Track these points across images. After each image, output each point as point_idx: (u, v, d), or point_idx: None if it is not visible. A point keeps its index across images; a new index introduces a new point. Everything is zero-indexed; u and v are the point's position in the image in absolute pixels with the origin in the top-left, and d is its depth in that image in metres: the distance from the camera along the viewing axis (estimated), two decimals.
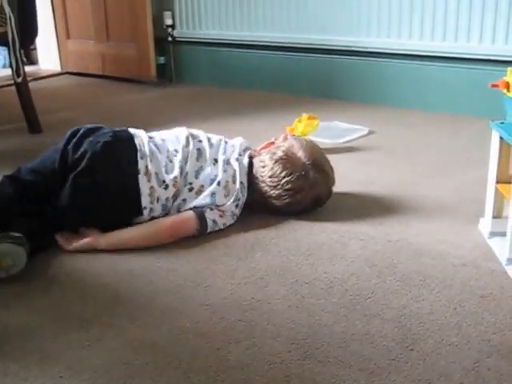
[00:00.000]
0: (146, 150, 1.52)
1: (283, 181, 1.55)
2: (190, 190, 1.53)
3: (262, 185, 1.57)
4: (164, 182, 1.50)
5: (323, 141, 2.25)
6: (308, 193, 1.56)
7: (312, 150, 1.62)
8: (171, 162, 1.54)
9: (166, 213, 1.51)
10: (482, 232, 1.47)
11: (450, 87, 2.68)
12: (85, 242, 1.43)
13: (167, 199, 1.50)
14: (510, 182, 1.30)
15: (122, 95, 3.33)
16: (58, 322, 1.15)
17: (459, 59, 2.61)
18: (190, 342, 1.07)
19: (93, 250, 1.42)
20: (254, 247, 1.42)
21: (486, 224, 1.46)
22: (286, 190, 1.55)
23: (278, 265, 1.34)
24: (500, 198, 1.41)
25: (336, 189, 1.68)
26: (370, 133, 2.37)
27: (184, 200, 1.52)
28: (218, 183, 1.53)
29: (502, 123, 1.36)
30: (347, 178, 1.83)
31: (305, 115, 2.18)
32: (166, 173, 1.51)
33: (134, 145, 1.53)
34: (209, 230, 1.48)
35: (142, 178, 1.47)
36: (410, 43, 2.71)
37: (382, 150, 2.18)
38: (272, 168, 1.56)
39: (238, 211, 1.56)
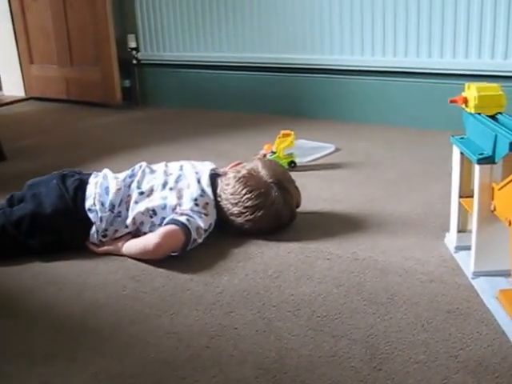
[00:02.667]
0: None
1: (244, 198, 1.56)
2: (141, 193, 1.57)
3: (225, 202, 1.59)
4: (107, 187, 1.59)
5: None
6: (268, 211, 1.56)
7: (276, 170, 1.63)
8: (117, 177, 1.63)
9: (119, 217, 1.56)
10: (448, 246, 1.48)
11: (414, 102, 2.70)
12: (110, 247, 1.53)
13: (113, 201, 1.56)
14: (472, 196, 1.31)
15: (87, 120, 3.30)
16: (20, 357, 1.12)
17: (422, 74, 2.64)
18: (156, 371, 1.05)
19: (61, 278, 1.40)
20: (221, 271, 1.41)
21: (451, 238, 1.47)
22: (246, 207, 1.56)
23: (244, 288, 1.33)
24: (464, 212, 1.42)
25: (302, 208, 1.69)
26: (337, 150, 2.38)
27: (136, 202, 1.55)
28: (170, 188, 1.58)
29: (462, 138, 1.37)
30: (313, 196, 1.83)
31: (281, 132, 2.18)
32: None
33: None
34: (192, 234, 1.49)
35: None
36: (372, 60, 2.74)
37: (348, 166, 2.18)
38: (234, 186, 1.58)
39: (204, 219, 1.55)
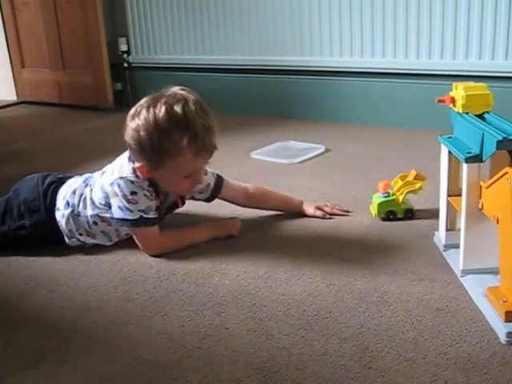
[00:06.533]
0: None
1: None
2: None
3: None
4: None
5: (280, 161, 2.26)
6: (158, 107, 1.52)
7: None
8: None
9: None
10: (437, 245, 1.49)
11: (402, 102, 2.72)
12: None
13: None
14: (460, 195, 1.32)
15: (79, 123, 3.30)
16: (12, 359, 1.12)
17: (410, 75, 2.66)
18: (148, 372, 1.06)
19: (54, 283, 1.40)
20: (212, 272, 1.42)
21: (440, 237, 1.48)
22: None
23: (235, 289, 1.33)
24: (453, 210, 1.43)
25: None
26: (326, 151, 2.39)
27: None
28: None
29: (450, 137, 1.38)
30: (304, 196, 1.83)
31: (413, 172, 1.72)
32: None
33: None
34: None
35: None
36: (361, 61, 2.75)
37: (338, 167, 2.19)
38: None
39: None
